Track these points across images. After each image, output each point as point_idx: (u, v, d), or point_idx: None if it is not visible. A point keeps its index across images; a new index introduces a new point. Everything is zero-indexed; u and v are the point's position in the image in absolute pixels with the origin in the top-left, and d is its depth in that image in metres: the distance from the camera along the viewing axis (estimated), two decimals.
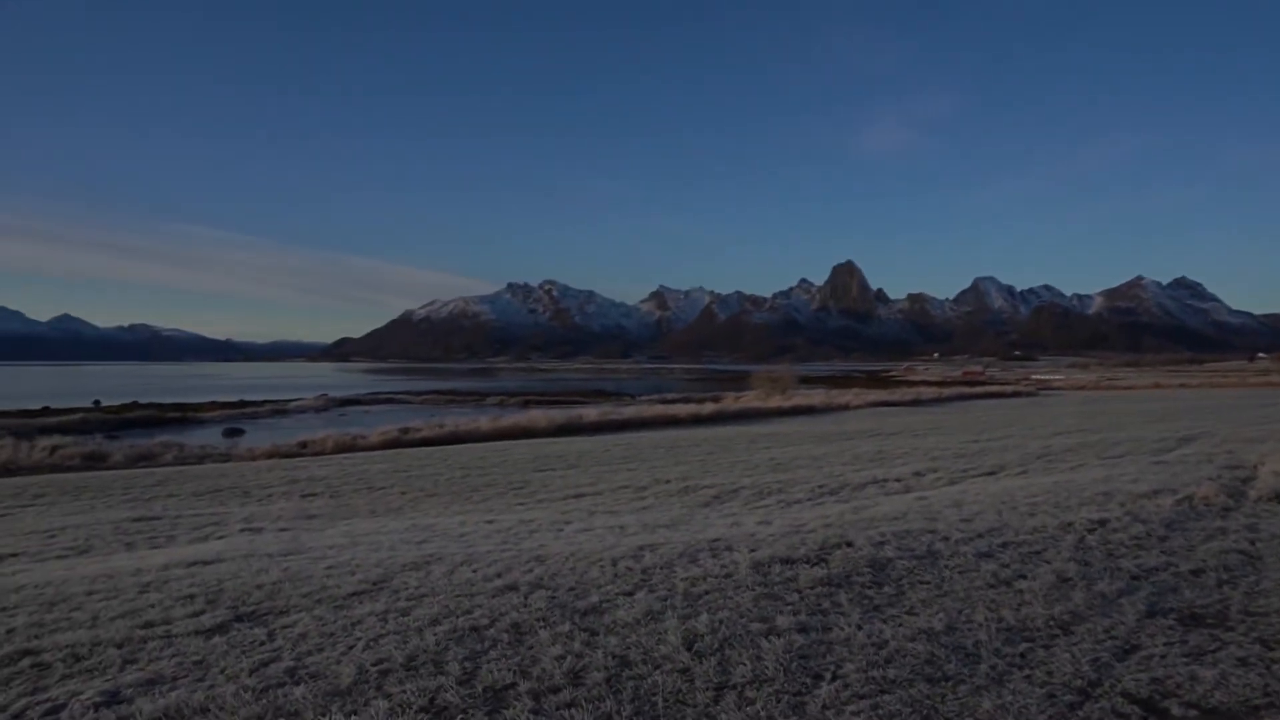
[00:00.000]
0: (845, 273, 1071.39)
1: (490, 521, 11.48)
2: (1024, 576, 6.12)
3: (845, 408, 52.27)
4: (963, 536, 7.48)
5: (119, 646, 5.18)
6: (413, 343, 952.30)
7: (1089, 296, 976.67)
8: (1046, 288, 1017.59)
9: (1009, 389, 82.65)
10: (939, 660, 4.49)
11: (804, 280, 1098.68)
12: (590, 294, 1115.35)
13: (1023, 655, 4.57)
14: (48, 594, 6.85)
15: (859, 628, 4.99)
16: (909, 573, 6.28)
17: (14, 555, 10.95)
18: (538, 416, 41.08)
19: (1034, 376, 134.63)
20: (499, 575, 6.58)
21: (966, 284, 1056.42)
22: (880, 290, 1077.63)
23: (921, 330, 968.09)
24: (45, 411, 53.93)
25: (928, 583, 6.03)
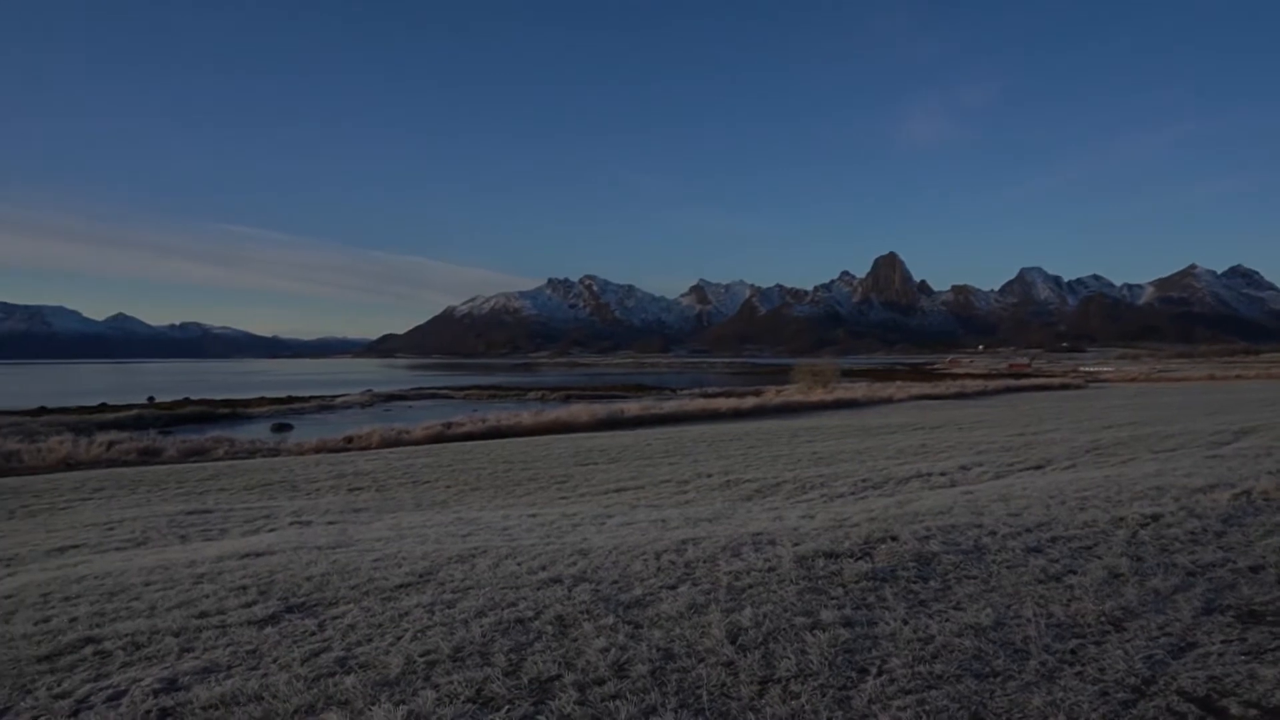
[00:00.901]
0: (887, 264, 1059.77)
1: (533, 515, 11.57)
2: (1074, 572, 6.01)
3: (888, 401, 51.75)
4: (1010, 531, 7.36)
5: (176, 635, 5.32)
6: (455, 338, 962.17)
7: (1140, 286, 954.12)
8: (1095, 278, 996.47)
9: (1056, 381, 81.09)
10: (987, 656, 4.43)
11: (845, 272, 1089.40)
12: (630, 288, 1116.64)
13: (1073, 652, 4.49)
14: (108, 584, 7.05)
15: (905, 622, 4.94)
16: (955, 567, 6.20)
17: (75, 547, 11.30)
18: (579, 411, 41.28)
19: (1082, 369, 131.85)
20: (543, 568, 6.63)
21: (1012, 275, 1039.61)
22: (923, 282, 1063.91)
23: (965, 322, 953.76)
24: (102, 408, 55.56)
25: (974, 578, 5.95)
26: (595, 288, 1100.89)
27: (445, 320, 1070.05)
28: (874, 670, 4.26)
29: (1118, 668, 4.25)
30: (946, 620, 4.98)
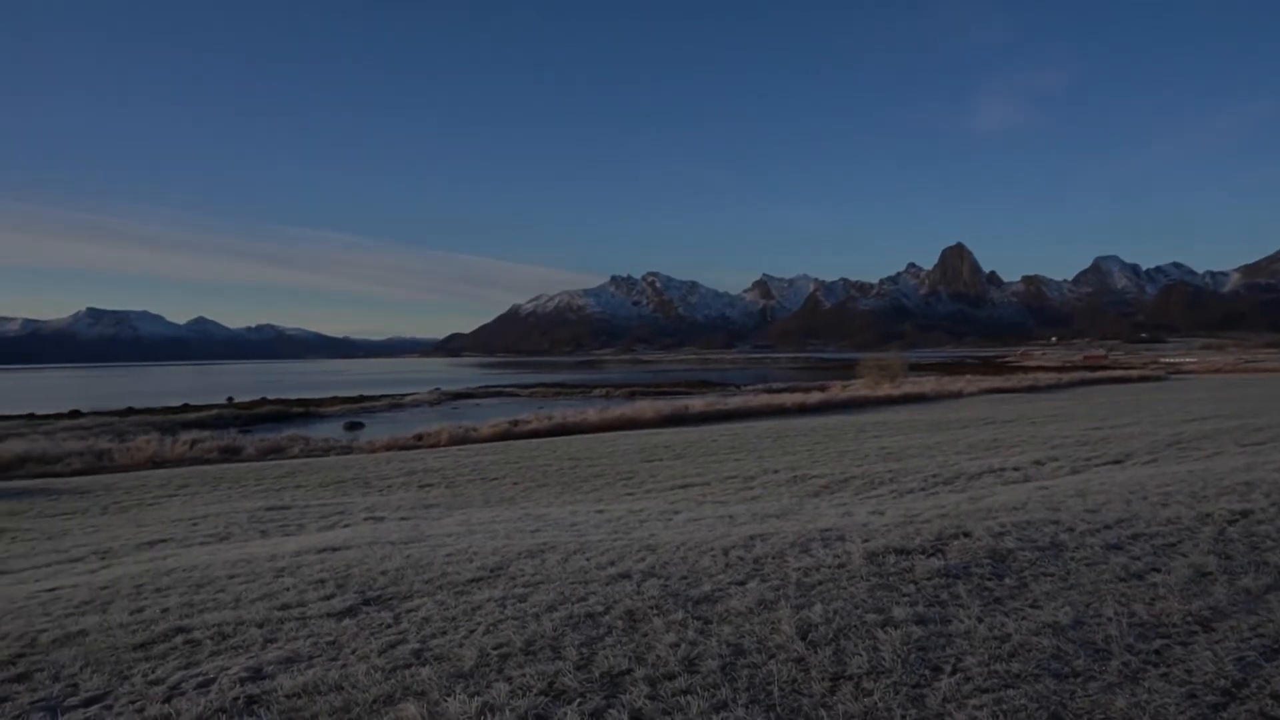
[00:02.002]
0: (955, 255, 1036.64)
1: (600, 511, 11.66)
2: (1157, 570, 5.81)
3: (958, 395, 50.66)
4: (1088, 528, 7.15)
5: (260, 626, 5.52)
6: (520, 337, 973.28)
7: (1224, 274, 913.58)
8: (1176, 265, 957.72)
9: (1134, 374, 78.31)
10: (1066, 655, 4.31)
11: (912, 264, 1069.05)
12: (693, 284, 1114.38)
13: (1158, 652, 4.34)
14: (195, 576, 7.35)
15: (979, 620, 4.84)
16: (1031, 564, 6.06)
17: (164, 541, 11.81)
18: (644, 408, 41.37)
19: (1163, 360, 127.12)
20: (611, 563, 6.69)
21: (1086, 264, 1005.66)
22: (993, 273, 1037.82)
23: (1037, 313, 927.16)
24: (185, 408, 57.82)
25: (1052, 575, 5.80)
26: (658, 284, 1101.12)
27: (511, 319, 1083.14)
28: (948, 668, 4.19)
29: (1206, 670, 4.09)
30: (1023, 618, 4.87)
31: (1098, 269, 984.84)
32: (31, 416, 51.48)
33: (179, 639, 5.36)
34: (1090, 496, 9.08)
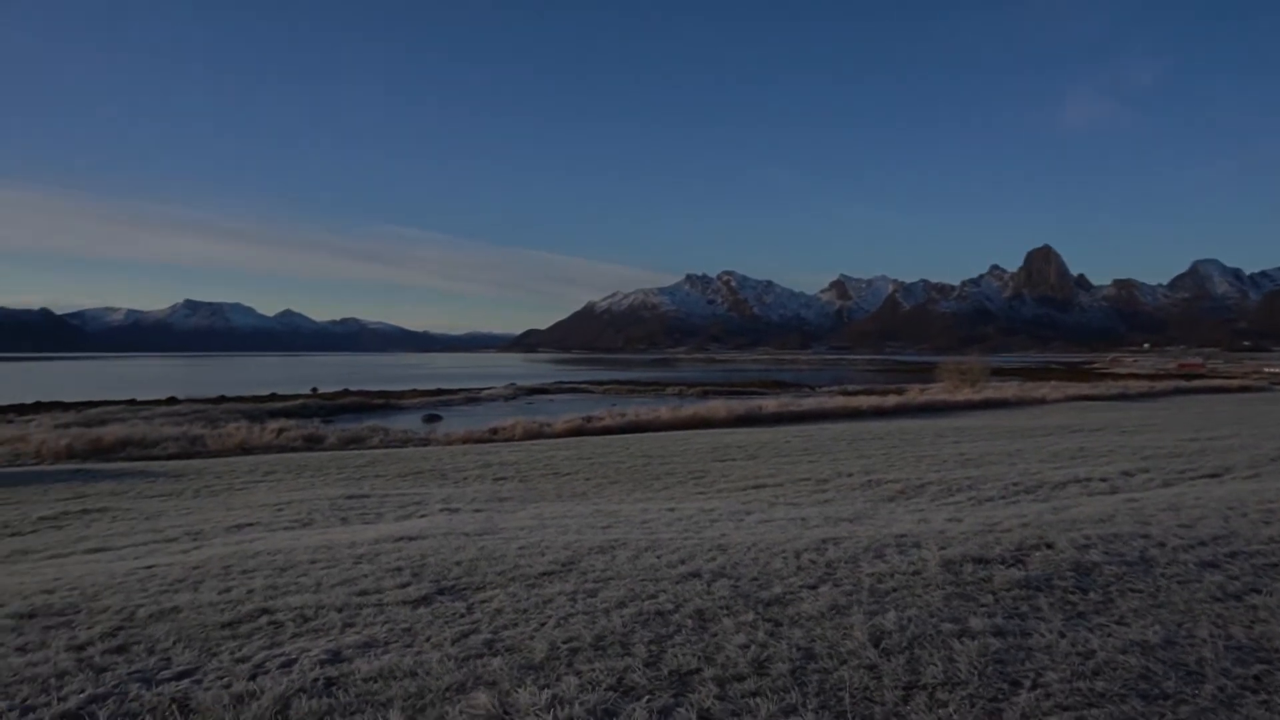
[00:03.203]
0: (1041, 257, 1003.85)
1: (671, 509, 11.65)
2: (1258, 590, 5.52)
3: (1041, 401, 49.03)
4: (1181, 544, 6.83)
5: (339, 611, 5.68)
6: (595, 334, 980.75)
7: None
8: None
9: (1235, 383, 74.44)
10: (1155, 676, 4.12)
11: (995, 266, 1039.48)
12: (769, 284, 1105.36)
13: (1257, 678, 4.12)
14: (279, 560, 7.60)
15: (1061, 635, 4.67)
16: (1118, 579, 5.82)
17: (250, 525, 12.27)
18: (716, 407, 41.19)
19: (1267, 370, 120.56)
20: (682, 562, 6.67)
21: (1183, 268, 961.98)
22: (1081, 276, 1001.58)
23: (1129, 319, 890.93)
24: (272, 397, 60.04)
25: (1140, 591, 5.56)
26: (733, 284, 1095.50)
27: (586, 316, 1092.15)
28: (1027, 683, 4.05)
29: None
30: (1109, 635, 4.68)
31: (1196, 273, 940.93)
32: (133, 402, 54.19)
33: (263, 619, 5.55)
34: (1184, 511, 8.68)
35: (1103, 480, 13.83)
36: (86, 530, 13.14)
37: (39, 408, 49.09)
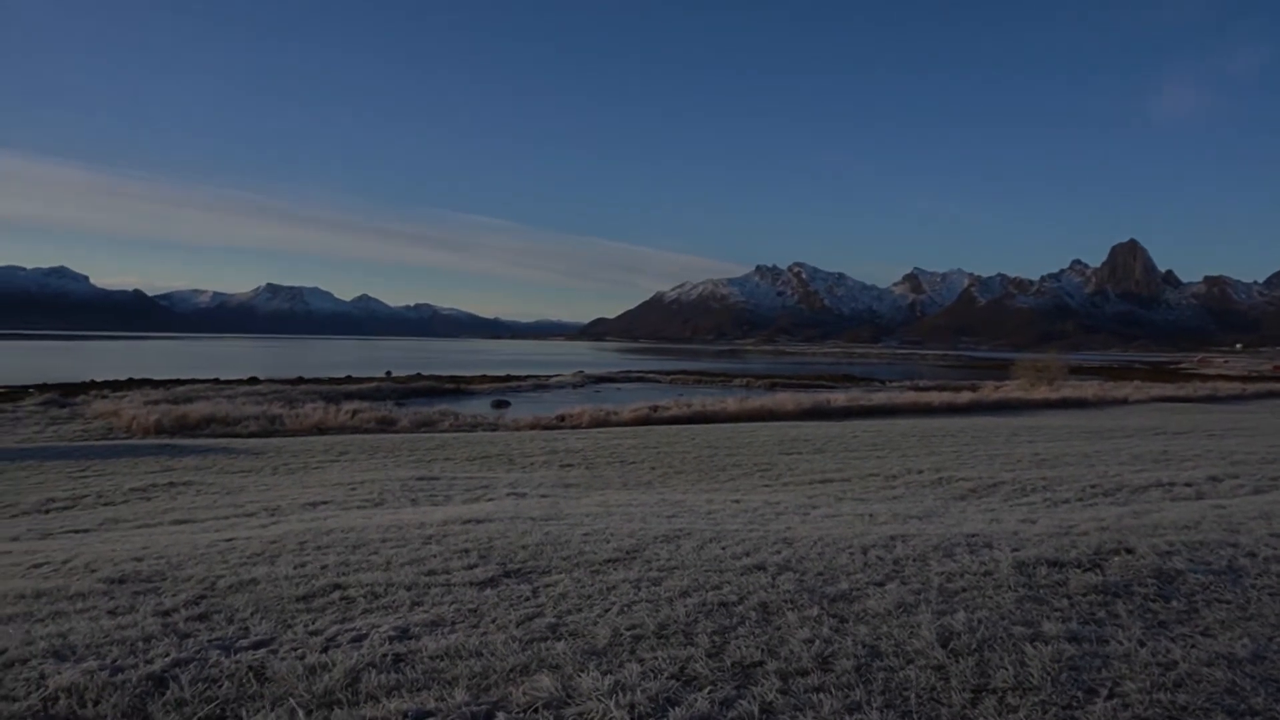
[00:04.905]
0: (1126, 252, 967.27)
1: (737, 501, 11.61)
2: None
3: (1123, 402, 47.27)
4: (1273, 553, 6.52)
5: (408, 589, 5.81)
6: (663, 323, 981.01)
7: None
8: None
9: None
10: (1242, 691, 3.93)
11: (1077, 261, 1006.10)
12: (840, 276, 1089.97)
13: None
14: (351, 538, 7.81)
15: (1141, 644, 4.49)
16: (1203, 589, 5.58)
17: (325, 503, 12.65)
18: (784, 399, 40.79)
19: None
20: (746, 554, 6.63)
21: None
22: (1169, 272, 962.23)
23: (1219, 317, 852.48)
24: (348, 380, 61.70)
25: (1228, 602, 5.32)
26: (804, 275, 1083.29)
27: (654, 305, 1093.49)
28: (1104, 692, 3.90)
29: None
30: (1192, 646, 4.49)
31: None
32: (216, 381, 56.29)
33: (336, 594, 5.71)
34: (1276, 519, 8.28)
35: (1187, 485, 13.29)
36: (172, 502, 13.73)
37: (131, 384, 51.29)
